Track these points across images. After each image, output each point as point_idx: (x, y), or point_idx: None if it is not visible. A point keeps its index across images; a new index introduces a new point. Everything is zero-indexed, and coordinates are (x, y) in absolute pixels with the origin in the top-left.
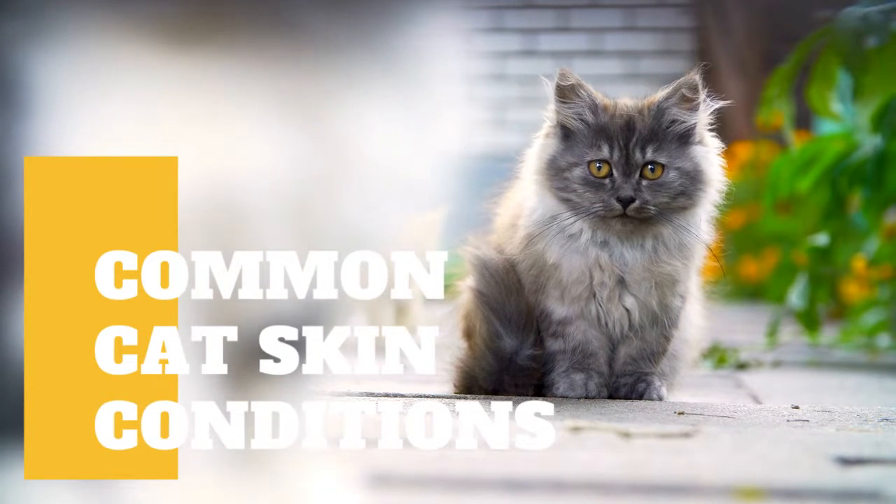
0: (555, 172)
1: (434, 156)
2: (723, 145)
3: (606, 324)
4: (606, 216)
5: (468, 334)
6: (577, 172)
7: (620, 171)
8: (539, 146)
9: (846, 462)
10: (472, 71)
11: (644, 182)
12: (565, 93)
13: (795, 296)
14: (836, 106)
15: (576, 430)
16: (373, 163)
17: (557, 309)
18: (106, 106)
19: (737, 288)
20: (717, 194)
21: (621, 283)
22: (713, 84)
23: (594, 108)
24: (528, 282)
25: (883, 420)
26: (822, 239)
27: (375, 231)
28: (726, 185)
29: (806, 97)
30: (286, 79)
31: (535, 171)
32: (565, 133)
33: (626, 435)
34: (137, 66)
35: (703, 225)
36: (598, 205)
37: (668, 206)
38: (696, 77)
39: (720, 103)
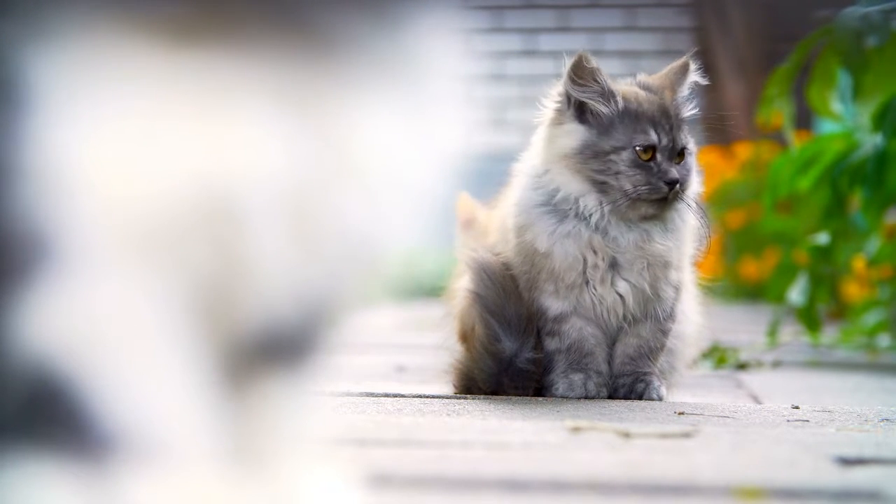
0: (592, 155)
1: (433, 155)
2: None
3: (601, 314)
4: (648, 198)
5: (464, 337)
6: (626, 156)
7: (665, 156)
8: (563, 132)
9: (846, 462)
10: (472, 71)
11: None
12: (582, 76)
13: (796, 293)
14: (836, 106)
15: (576, 430)
16: (371, 162)
17: (553, 304)
18: (106, 105)
19: (737, 288)
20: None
21: (613, 266)
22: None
23: (610, 94)
24: (522, 280)
25: (883, 420)
26: (822, 238)
27: (374, 231)
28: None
29: (806, 97)
30: (285, 78)
31: (562, 157)
32: (582, 118)
33: (626, 435)
34: (137, 64)
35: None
36: (643, 187)
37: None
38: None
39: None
